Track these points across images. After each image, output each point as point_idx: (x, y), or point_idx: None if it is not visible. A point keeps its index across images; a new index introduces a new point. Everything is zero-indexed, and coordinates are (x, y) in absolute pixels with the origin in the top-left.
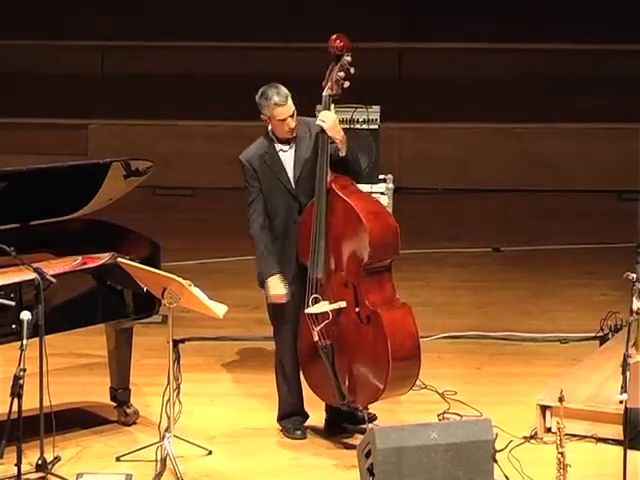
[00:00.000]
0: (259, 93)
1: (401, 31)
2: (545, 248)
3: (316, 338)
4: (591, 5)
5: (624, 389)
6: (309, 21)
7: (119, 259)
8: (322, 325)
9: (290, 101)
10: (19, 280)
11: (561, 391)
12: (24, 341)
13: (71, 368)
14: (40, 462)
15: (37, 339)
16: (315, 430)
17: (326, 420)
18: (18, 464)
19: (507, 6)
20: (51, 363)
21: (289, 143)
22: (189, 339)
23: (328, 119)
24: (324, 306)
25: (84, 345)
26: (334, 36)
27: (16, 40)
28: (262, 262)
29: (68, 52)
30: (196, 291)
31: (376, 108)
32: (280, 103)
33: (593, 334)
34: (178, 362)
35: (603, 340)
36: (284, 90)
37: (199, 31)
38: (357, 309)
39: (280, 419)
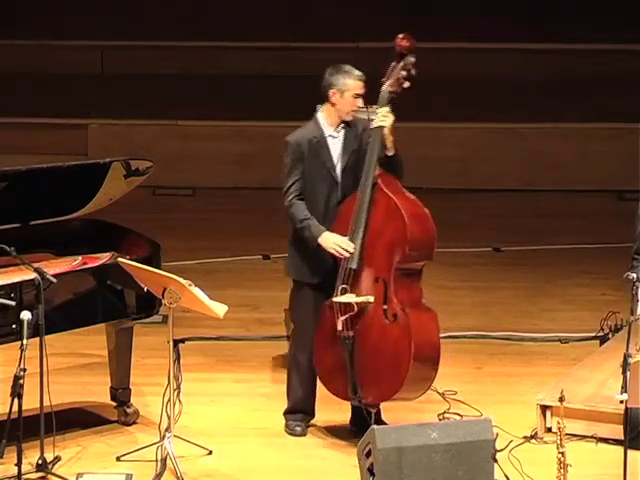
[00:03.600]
0: (332, 70)
1: (401, 31)
2: (545, 248)
3: (340, 327)
4: (591, 5)
5: (624, 389)
6: (309, 21)
7: (119, 259)
8: (347, 316)
9: None
10: (19, 280)
11: (561, 391)
12: (24, 341)
13: (71, 368)
14: (40, 462)
15: (37, 339)
16: (316, 430)
17: (351, 420)
18: (18, 464)
19: (507, 6)
20: (51, 363)
21: (338, 129)
22: (189, 339)
23: (388, 121)
24: (351, 297)
25: (84, 345)
26: (401, 35)
27: (16, 40)
28: (308, 228)
29: (68, 52)
30: (196, 291)
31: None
32: (362, 77)
33: (593, 334)
34: (178, 362)
35: (603, 340)
36: None
37: (199, 31)
38: (384, 306)
39: (286, 412)
